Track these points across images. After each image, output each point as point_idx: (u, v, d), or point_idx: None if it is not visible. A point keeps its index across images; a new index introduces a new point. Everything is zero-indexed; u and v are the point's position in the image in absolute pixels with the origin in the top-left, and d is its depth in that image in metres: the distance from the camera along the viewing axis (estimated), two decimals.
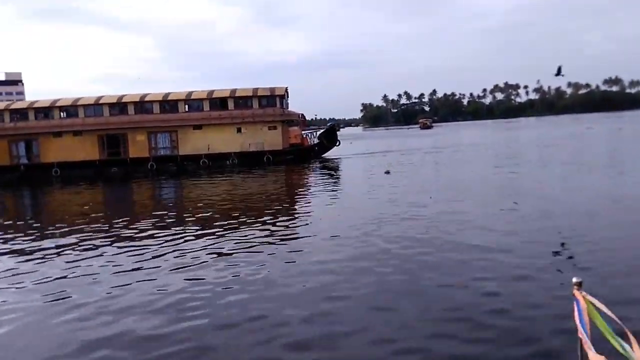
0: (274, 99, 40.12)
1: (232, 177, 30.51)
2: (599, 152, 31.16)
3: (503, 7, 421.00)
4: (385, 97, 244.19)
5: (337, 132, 44.34)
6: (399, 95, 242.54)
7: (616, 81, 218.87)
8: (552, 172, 22.44)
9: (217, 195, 21.72)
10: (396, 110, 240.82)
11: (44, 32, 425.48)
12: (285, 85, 41.53)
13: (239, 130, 39.71)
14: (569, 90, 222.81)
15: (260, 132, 39.60)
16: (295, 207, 17.75)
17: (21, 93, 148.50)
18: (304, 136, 43.35)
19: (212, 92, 40.44)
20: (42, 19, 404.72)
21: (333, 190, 20.81)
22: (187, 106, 40.27)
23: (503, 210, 13.26)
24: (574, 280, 3.09)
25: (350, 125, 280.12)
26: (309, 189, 22.70)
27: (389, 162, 31.31)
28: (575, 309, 3.04)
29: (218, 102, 40.13)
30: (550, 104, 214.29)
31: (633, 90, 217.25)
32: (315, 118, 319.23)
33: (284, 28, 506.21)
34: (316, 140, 43.08)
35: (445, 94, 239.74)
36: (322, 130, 45.34)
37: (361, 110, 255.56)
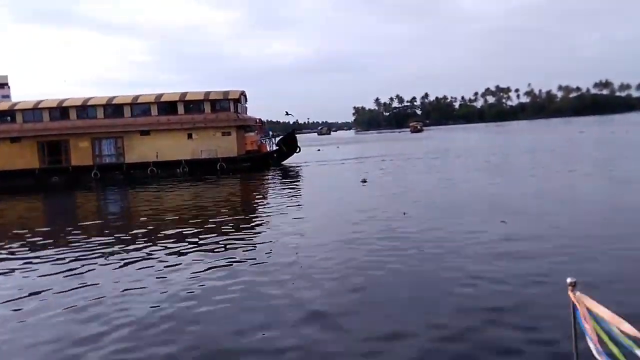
0: (228, 103, 36.47)
1: (182, 187, 27.76)
2: (595, 158, 27.81)
3: (495, 10, 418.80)
4: (377, 101, 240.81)
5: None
6: (391, 99, 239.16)
7: (606, 84, 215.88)
8: (548, 182, 19.15)
9: (165, 207, 19.53)
10: (388, 113, 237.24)
11: (34, 35, 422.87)
12: (241, 89, 37.89)
13: (189, 136, 36.12)
14: (559, 94, 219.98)
15: (213, 138, 36.01)
16: (243, 224, 14.33)
17: (7, 96, 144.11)
18: (262, 142, 39.79)
19: (160, 95, 36.73)
20: (33, 21, 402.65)
21: (292, 205, 17.60)
22: (133, 110, 36.55)
23: (489, 230, 10.97)
24: (568, 280, 2.99)
25: (343, 129, 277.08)
26: (264, 202, 19.85)
27: (367, 170, 28.33)
28: (572, 309, 2.99)
29: (167, 107, 36.41)
30: (541, 107, 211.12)
31: (623, 94, 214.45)
32: (308, 121, 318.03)
33: (279, 31, 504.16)
34: (275, 147, 39.55)
35: (437, 98, 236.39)
36: (280, 136, 41.78)
37: (353, 114, 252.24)
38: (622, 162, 24.23)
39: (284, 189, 23.66)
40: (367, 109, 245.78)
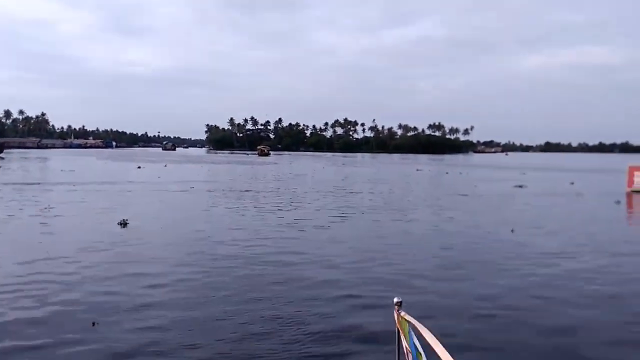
0: None
1: None
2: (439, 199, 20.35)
3: (350, 47, 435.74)
4: (231, 121, 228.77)
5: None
6: (246, 120, 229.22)
7: (439, 127, 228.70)
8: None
9: None
10: (242, 134, 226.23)
11: None
12: None
13: None
14: (399, 132, 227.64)
15: None
16: None
17: None
18: None
19: None
20: None
21: None
22: None
23: None
24: (395, 300, 2.95)
25: (196, 146, 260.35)
26: None
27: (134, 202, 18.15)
28: (396, 328, 2.94)
29: None
30: (383, 142, 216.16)
31: (452, 137, 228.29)
32: (159, 135, 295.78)
33: (135, 39, 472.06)
34: None
35: (290, 124, 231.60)
36: None
37: (206, 132, 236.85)
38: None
39: None
40: (220, 128, 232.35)
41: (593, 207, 21.47)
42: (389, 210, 19.27)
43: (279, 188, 28.33)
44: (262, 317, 6.69)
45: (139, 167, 48.39)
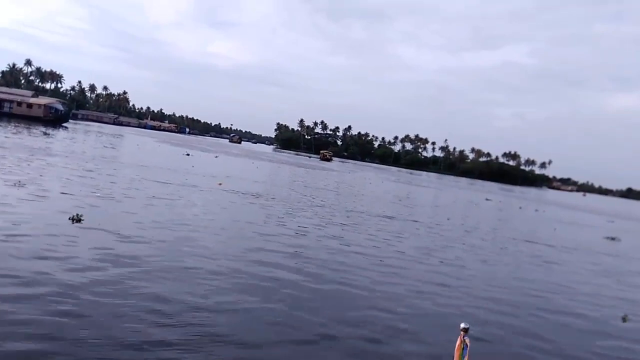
0: None
1: None
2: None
3: (429, 65, 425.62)
4: (301, 122, 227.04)
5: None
6: (315, 123, 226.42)
7: (514, 156, 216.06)
8: None
9: None
10: (310, 137, 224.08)
11: None
12: None
13: None
14: (471, 156, 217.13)
15: None
16: None
17: None
18: None
19: None
20: None
21: None
22: None
23: None
24: (462, 325, 3.28)
25: (265, 143, 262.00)
26: None
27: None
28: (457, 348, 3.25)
29: None
30: (452, 164, 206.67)
31: (527, 168, 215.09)
32: (231, 127, 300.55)
33: (222, 31, 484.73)
34: None
35: (359, 133, 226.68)
36: None
37: (275, 130, 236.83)
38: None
39: None
40: (290, 128, 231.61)
41: None
42: (444, 258, 14.35)
43: (314, 197, 23.96)
44: None
45: (187, 154, 45.71)
